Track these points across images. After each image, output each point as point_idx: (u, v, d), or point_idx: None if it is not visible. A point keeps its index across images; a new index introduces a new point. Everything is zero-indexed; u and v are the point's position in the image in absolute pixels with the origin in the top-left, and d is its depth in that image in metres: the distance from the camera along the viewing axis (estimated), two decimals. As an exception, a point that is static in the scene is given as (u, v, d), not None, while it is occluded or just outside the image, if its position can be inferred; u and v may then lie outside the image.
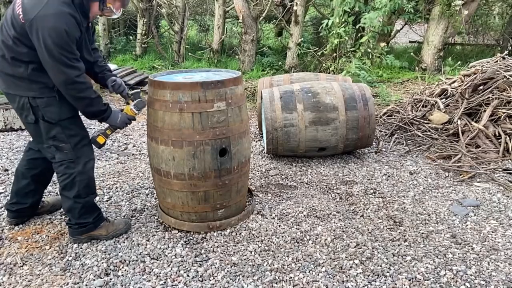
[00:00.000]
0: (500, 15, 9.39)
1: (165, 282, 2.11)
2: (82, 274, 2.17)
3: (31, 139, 2.50)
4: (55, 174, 2.45)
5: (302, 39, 7.87)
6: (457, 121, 4.26)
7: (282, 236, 2.54)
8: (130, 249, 2.38)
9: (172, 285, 2.09)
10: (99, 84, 2.64)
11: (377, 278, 2.16)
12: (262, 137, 4.53)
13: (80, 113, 2.35)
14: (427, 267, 2.25)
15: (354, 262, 2.28)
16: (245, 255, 2.35)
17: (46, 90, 2.17)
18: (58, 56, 2.00)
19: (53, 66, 2.04)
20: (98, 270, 2.19)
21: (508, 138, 3.87)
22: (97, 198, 3.03)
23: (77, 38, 2.09)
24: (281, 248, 2.41)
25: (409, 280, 2.14)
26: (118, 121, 2.41)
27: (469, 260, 2.32)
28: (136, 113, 2.48)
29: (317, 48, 7.94)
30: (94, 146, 2.46)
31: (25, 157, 2.56)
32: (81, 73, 2.11)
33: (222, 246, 2.43)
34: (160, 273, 2.18)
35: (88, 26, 2.30)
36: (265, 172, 3.60)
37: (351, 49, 7.18)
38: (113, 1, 2.25)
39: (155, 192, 2.99)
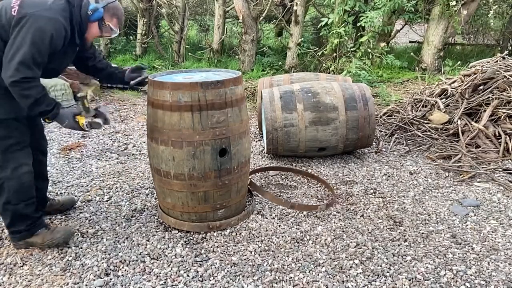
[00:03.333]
0: (500, 15, 9.38)
1: (165, 282, 2.11)
2: (82, 274, 2.17)
3: None
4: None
5: (302, 39, 7.87)
6: (457, 121, 4.26)
7: (282, 236, 2.54)
8: (130, 249, 2.38)
9: (172, 285, 2.09)
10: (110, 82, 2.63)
11: (377, 278, 2.16)
12: (262, 137, 4.53)
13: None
14: (427, 267, 2.25)
15: (354, 262, 2.28)
16: (245, 255, 2.35)
17: None
18: (28, 53, 2.00)
19: (13, 63, 2.00)
20: (98, 270, 2.19)
21: (508, 138, 3.87)
22: (94, 198, 3.03)
23: (56, 48, 2.12)
24: (281, 248, 2.41)
25: (409, 280, 2.14)
26: (64, 124, 2.29)
27: (469, 260, 2.32)
28: (86, 130, 2.36)
29: (317, 48, 7.93)
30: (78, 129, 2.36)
31: None
32: (31, 76, 2.06)
33: (222, 246, 2.43)
34: (160, 273, 2.18)
35: (85, 45, 2.38)
36: (265, 172, 3.60)
37: (351, 49, 7.18)
38: (111, 18, 2.29)
39: (155, 192, 2.99)
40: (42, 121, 2.40)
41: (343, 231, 2.61)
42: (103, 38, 2.53)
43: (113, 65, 2.68)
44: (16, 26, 2.03)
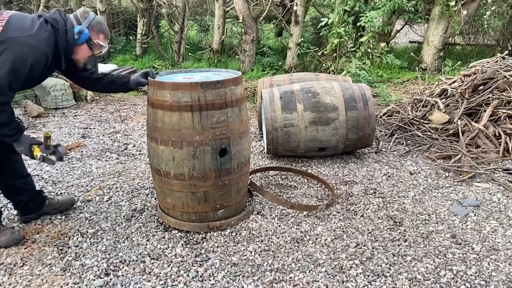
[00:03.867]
0: (500, 15, 9.38)
1: (165, 282, 2.11)
2: (82, 274, 2.17)
3: None
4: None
5: (302, 39, 7.87)
6: (457, 121, 4.26)
7: (282, 236, 2.54)
8: (130, 249, 2.38)
9: (172, 285, 2.09)
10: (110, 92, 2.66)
11: (377, 278, 2.16)
12: (262, 137, 4.53)
13: None
14: (427, 267, 2.25)
15: (354, 262, 2.28)
16: (245, 255, 2.35)
17: None
18: (5, 80, 2.00)
19: None
20: (98, 270, 2.19)
21: (508, 138, 3.87)
22: (94, 198, 3.03)
23: (33, 74, 2.12)
24: (281, 248, 2.41)
25: (409, 280, 2.14)
26: (19, 149, 2.28)
27: (469, 260, 2.32)
28: (38, 162, 2.39)
29: (317, 48, 7.93)
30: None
31: None
32: (5, 102, 2.07)
33: (222, 246, 2.43)
34: (160, 273, 2.18)
35: (74, 65, 2.38)
36: (265, 172, 3.59)
37: (351, 49, 7.18)
38: (97, 35, 2.30)
39: (155, 192, 2.99)
40: None
41: (343, 231, 2.61)
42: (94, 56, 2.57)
43: (107, 74, 2.68)
44: None
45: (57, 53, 2.21)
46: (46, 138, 2.34)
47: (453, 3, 6.95)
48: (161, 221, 2.71)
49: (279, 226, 2.66)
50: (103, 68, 6.66)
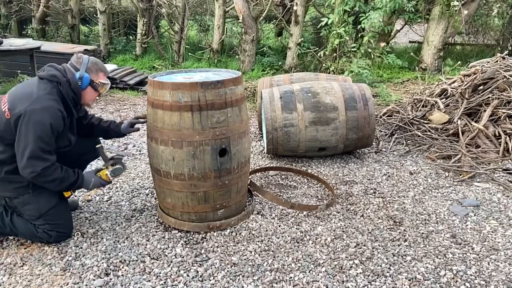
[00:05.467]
0: (500, 15, 9.38)
1: (165, 282, 2.11)
2: (82, 274, 2.17)
3: None
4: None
5: (302, 39, 7.86)
6: (457, 121, 4.26)
7: (282, 236, 2.54)
8: (130, 249, 2.38)
9: (172, 285, 2.09)
10: (102, 137, 2.76)
11: (377, 278, 2.16)
12: (262, 137, 4.53)
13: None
14: (427, 267, 2.25)
15: (354, 262, 2.28)
16: (245, 255, 2.35)
17: (21, 190, 2.26)
18: (35, 147, 2.10)
19: (23, 158, 2.12)
20: (98, 270, 2.19)
21: (508, 138, 3.87)
22: (94, 198, 3.03)
23: (59, 131, 2.21)
24: (281, 248, 2.41)
25: (409, 280, 2.14)
26: (90, 186, 2.43)
27: (469, 260, 2.32)
28: (111, 180, 2.51)
29: (317, 48, 7.93)
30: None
31: None
32: (48, 165, 2.17)
33: (222, 246, 2.43)
34: (160, 273, 2.18)
35: (78, 110, 2.44)
36: (265, 172, 3.60)
37: (351, 49, 7.17)
38: (97, 75, 2.36)
39: (155, 192, 2.99)
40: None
41: (343, 231, 2.61)
42: (101, 94, 2.64)
43: (102, 119, 2.73)
44: (17, 126, 2.11)
45: (66, 105, 2.27)
46: (101, 151, 2.46)
47: (455, 2, 6.94)
48: (161, 221, 2.71)
49: (279, 226, 2.66)
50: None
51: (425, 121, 4.57)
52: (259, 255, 2.35)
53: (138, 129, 2.76)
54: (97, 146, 2.54)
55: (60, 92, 2.24)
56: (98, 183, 2.45)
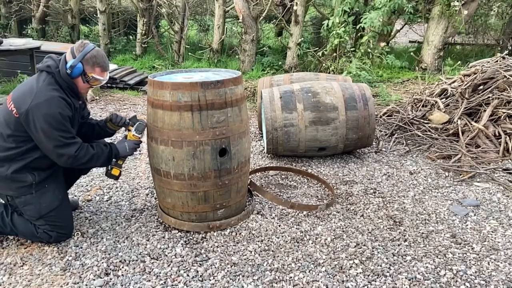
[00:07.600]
0: (500, 15, 9.38)
1: (165, 282, 2.11)
2: (82, 274, 2.17)
3: None
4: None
5: (302, 39, 7.86)
6: (457, 121, 4.26)
7: (282, 236, 2.54)
8: (130, 249, 2.38)
9: (172, 285, 2.09)
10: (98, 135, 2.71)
11: (377, 278, 2.16)
12: (262, 137, 4.53)
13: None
14: (427, 267, 2.25)
15: (354, 262, 2.28)
16: (245, 255, 2.35)
17: (24, 189, 2.26)
18: (57, 137, 2.14)
19: (53, 150, 2.17)
20: (98, 270, 2.19)
21: (508, 138, 3.87)
22: (94, 198, 3.03)
23: (70, 117, 2.21)
24: (281, 248, 2.41)
25: (409, 280, 2.14)
26: (128, 150, 2.49)
27: (469, 260, 2.32)
28: (139, 137, 2.56)
29: (317, 48, 7.93)
30: (111, 179, 2.55)
31: None
32: (78, 146, 2.22)
33: (222, 246, 2.43)
34: (160, 273, 2.18)
35: (80, 106, 2.44)
36: (265, 172, 3.59)
37: (351, 49, 7.17)
38: (92, 69, 2.29)
39: (155, 192, 2.99)
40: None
41: (343, 231, 2.61)
42: (93, 86, 2.58)
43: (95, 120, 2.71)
44: (28, 125, 2.14)
45: (66, 92, 2.27)
46: (115, 117, 2.56)
47: (455, 2, 6.94)
48: (161, 221, 2.71)
49: (279, 226, 2.66)
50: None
51: (425, 121, 4.57)
52: (259, 255, 2.35)
53: (124, 124, 2.63)
54: (105, 120, 2.59)
55: (58, 82, 2.23)
56: (132, 145, 2.50)
